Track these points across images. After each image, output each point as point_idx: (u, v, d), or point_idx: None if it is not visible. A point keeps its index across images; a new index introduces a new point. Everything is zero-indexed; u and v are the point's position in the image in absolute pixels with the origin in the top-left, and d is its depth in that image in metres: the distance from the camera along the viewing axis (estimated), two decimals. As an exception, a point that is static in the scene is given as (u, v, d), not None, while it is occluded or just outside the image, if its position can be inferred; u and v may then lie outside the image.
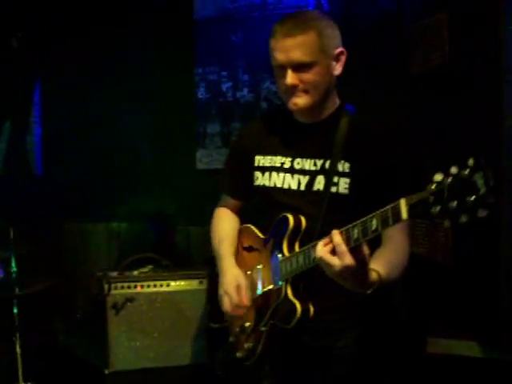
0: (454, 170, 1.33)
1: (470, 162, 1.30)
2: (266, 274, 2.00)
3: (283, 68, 1.86)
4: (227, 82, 3.67)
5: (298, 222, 1.90)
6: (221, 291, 2.10)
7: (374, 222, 1.52)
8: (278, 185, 2.01)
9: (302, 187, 1.96)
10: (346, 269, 1.58)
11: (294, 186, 1.97)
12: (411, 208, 1.42)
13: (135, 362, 3.42)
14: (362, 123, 1.93)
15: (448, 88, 2.63)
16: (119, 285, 3.45)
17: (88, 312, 4.14)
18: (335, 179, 1.89)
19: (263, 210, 2.10)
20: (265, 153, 2.08)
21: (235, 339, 2.12)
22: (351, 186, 1.88)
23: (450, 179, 1.33)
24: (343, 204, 1.89)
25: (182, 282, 3.47)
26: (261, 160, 2.09)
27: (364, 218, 1.56)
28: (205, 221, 3.74)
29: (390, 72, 3.21)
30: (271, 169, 2.05)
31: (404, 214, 1.44)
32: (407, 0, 3.02)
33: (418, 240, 2.87)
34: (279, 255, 1.93)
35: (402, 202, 1.44)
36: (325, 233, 1.68)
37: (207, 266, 3.42)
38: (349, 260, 1.57)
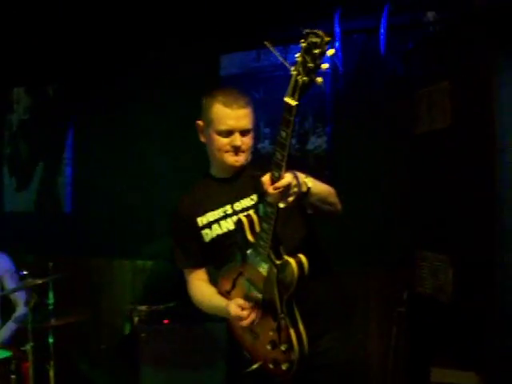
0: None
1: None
2: (252, 274, 2.14)
3: (231, 132, 2.23)
4: (250, 133, 3.97)
5: (250, 219, 2.14)
6: (232, 320, 2.21)
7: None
8: (231, 228, 2.26)
9: None
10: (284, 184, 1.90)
11: None
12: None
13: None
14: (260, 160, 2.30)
15: (448, 151, 2.93)
16: (148, 318, 3.69)
17: (113, 344, 4.34)
18: None
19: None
20: (203, 213, 2.34)
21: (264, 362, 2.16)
22: None
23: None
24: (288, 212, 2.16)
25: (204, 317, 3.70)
26: (203, 220, 2.34)
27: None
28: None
29: (395, 130, 3.52)
30: (217, 220, 2.31)
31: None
32: (414, 67, 3.32)
33: (423, 281, 3.14)
34: (249, 250, 2.11)
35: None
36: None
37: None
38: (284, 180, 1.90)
